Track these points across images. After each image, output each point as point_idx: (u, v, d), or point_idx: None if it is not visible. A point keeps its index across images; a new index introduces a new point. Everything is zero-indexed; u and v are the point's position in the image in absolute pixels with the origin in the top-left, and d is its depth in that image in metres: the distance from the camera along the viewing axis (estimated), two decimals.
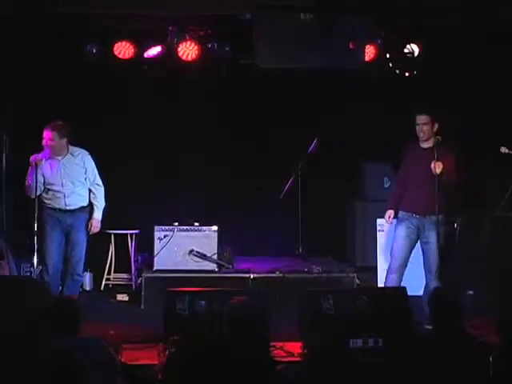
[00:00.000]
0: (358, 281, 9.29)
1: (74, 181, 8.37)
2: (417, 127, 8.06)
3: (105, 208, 10.02)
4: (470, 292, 9.60)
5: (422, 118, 8.04)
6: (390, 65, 10.04)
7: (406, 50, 9.95)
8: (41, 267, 8.29)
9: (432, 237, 7.94)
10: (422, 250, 8.03)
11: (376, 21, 9.41)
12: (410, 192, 8.05)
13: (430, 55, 9.96)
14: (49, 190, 8.30)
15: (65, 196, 8.31)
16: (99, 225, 8.57)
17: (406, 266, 8.03)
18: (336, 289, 8.55)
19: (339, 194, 10.57)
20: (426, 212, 7.89)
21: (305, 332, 6.80)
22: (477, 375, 4.90)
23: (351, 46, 9.26)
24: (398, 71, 10.06)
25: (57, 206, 8.30)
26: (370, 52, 9.78)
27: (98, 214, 8.54)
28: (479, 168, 10.15)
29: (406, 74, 10.05)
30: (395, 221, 8.25)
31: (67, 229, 8.35)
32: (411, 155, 8.14)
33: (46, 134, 8.22)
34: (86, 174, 8.48)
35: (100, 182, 8.60)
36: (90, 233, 8.51)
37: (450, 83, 10.27)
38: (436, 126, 8.05)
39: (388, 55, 9.99)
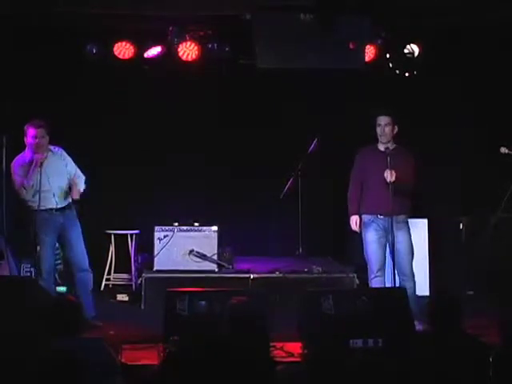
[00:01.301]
0: (357, 281, 9.29)
1: (60, 178, 8.29)
2: (378, 128, 8.00)
3: (105, 208, 10.07)
4: (470, 292, 9.62)
5: (384, 119, 7.99)
6: (390, 65, 10.05)
7: (406, 50, 9.95)
8: (34, 271, 8.23)
9: (401, 236, 7.92)
10: (392, 251, 7.95)
11: (376, 21, 9.41)
12: (371, 194, 7.98)
13: (430, 55, 9.96)
14: (37, 190, 8.03)
15: (54, 195, 8.21)
16: (80, 192, 8.34)
17: (385, 266, 8.01)
18: (336, 289, 8.55)
19: (339, 194, 10.56)
20: (392, 213, 7.85)
21: (305, 332, 6.80)
22: (476, 375, 4.90)
23: (351, 46, 9.26)
24: (398, 71, 10.06)
25: (49, 206, 8.18)
26: (370, 52, 9.79)
27: (81, 186, 8.35)
28: (479, 168, 10.17)
29: (406, 74, 10.05)
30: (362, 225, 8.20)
31: (61, 228, 8.22)
32: (369, 158, 8.06)
33: (36, 132, 8.05)
34: (67, 169, 8.39)
35: (81, 173, 8.43)
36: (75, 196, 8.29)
37: (449, 83, 10.28)
38: (396, 128, 8.01)
39: (388, 55, 10.00)
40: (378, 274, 7.92)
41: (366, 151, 8.15)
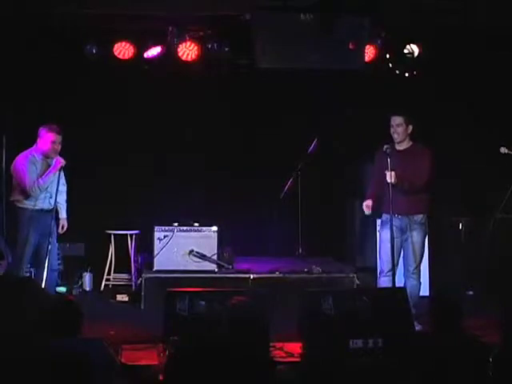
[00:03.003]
0: (357, 281, 9.29)
1: (58, 181, 8.34)
2: (391, 128, 8.00)
3: (105, 208, 10.07)
4: (471, 292, 9.63)
5: (396, 119, 7.98)
6: (390, 65, 10.05)
7: (405, 51, 9.94)
8: (34, 271, 8.24)
9: (413, 236, 7.92)
10: (403, 248, 7.97)
11: (376, 21, 9.40)
12: (389, 194, 7.98)
13: (430, 55, 9.95)
14: (49, 191, 8.22)
15: (51, 196, 8.26)
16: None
17: (397, 266, 7.96)
18: (336, 289, 8.55)
19: (339, 194, 10.58)
20: (408, 212, 7.85)
21: (305, 332, 6.80)
22: (476, 375, 4.90)
23: (351, 47, 9.26)
24: (397, 71, 10.06)
25: (45, 206, 8.22)
26: (369, 52, 9.78)
27: (65, 214, 8.54)
28: (479, 168, 10.17)
29: (406, 75, 10.05)
30: (379, 223, 8.17)
31: (47, 229, 8.22)
32: (383, 157, 7.96)
33: (56, 138, 8.18)
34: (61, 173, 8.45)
35: (64, 181, 8.54)
36: (61, 232, 8.48)
37: (449, 83, 10.28)
38: (410, 127, 7.98)
39: (388, 55, 9.99)
40: (388, 273, 7.91)
41: (381, 151, 8.08)
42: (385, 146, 7.89)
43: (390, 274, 7.88)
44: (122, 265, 10.27)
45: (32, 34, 9.48)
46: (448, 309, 5.36)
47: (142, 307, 9.10)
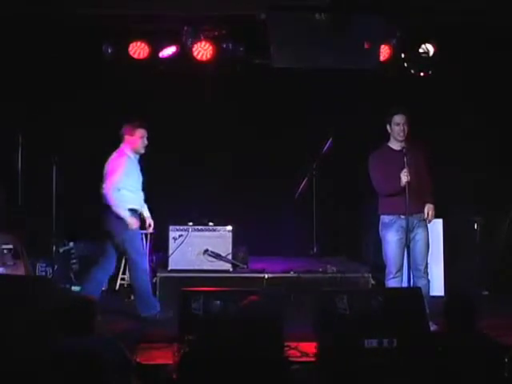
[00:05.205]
0: (372, 281, 9.27)
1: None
2: (396, 127, 7.86)
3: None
4: (486, 292, 9.61)
5: (404, 117, 7.91)
6: (405, 65, 10.03)
7: (420, 50, 9.91)
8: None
9: (419, 234, 7.88)
10: (408, 248, 7.91)
11: (391, 20, 9.38)
12: (405, 194, 7.90)
13: (445, 54, 9.92)
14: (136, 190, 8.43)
15: (141, 196, 8.49)
16: None
17: (403, 267, 7.95)
18: (351, 289, 8.53)
19: (353, 194, 10.56)
20: (412, 211, 7.82)
21: (319, 332, 6.79)
22: (492, 376, 4.89)
23: (366, 46, 9.25)
24: (412, 71, 10.04)
25: (138, 206, 8.43)
26: (384, 52, 9.76)
27: (148, 212, 8.77)
28: (494, 168, 10.14)
29: (421, 74, 10.03)
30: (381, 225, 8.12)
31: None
32: (386, 159, 7.93)
33: (145, 132, 8.39)
34: None
35: None
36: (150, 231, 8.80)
37: (465, 82, 10.24)
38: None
39: (403, 55, 9.97)
40: (397, 274, 7.88)
41: (381, 153, 8.04)
42: (399, 145, 7.84)
43: (399, 275, 7.88)
44: None
45: (48, 35, 9.52)
46: (463, 309, 5.35)
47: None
